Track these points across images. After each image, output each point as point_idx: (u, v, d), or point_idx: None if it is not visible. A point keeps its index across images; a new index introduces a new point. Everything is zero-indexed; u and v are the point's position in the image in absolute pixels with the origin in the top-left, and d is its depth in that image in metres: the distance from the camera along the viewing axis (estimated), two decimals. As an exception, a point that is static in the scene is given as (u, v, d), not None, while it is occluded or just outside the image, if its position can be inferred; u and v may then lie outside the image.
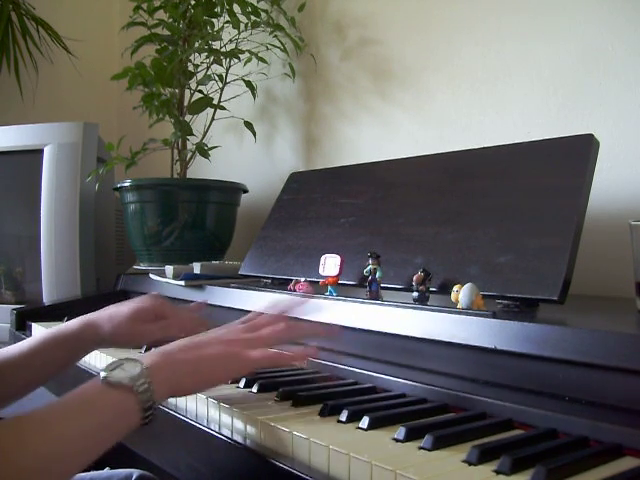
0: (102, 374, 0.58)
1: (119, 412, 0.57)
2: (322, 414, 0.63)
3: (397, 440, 0.55)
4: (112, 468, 1.07)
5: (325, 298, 0.91)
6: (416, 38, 1.46)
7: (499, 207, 0.85)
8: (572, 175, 0.79)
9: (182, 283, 1.23)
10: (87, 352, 0.90)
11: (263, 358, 0.70)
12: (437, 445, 0.53)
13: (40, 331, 1.31)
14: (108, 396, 0.57)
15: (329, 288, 0.93)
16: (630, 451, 0.51)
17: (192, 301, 1.20)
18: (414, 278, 0.82)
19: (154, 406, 0.60)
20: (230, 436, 0.64)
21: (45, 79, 2.38)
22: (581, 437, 0.54)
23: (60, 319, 1.38)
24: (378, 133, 1.56)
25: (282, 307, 0.80)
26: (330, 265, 0.95)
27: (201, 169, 1.91)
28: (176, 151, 1.74)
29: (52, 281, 1.65)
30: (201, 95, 1.73)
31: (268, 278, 1.15)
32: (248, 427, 0.64)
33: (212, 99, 1.71)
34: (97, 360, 1.00)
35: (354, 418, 0.61)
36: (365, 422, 0.59)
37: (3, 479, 0.48)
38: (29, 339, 0.85)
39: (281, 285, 1.10)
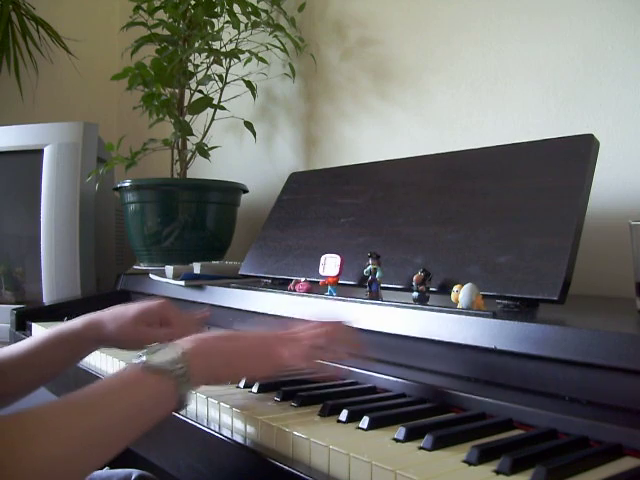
0: (143, 358, 0.59)
1: (157, 397, 0.58)
2: (322, 414, 0.63)
3: (397, 440, 0.55)
4: (112, 468, 1.07)
5: (325, 298, 0.91)
6: (416, 38, 1.46)
7: (499, 207, 0.85)
8: (572, 175, 0.79)
9: (182, 283, 1.23)
10: (89, 351, 0.89)
11: (295, 357, 0.70)
12: (437, 445, 0.53)
13: (40, 331, 1.31)
14: (147, 380, 0.58)
15: (329, 288, 0.93)
16: (630, 451, 0.51)
17: (192, 301, 1.21)
18: (414, 278, 0.82)
19: (189, 392, 0.60)
20: (230, 436, 0.64)
21: (45, 79, 2.38)
22: (581, 437, 0.54)
23: (60, 319, 1.37)
24: (378, 133, 1.56)
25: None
26: (330, 265, 0.95)
27: (201, 169, 1.91)
28: (176, 151, 1.74)
29: (52, 281, 1.65)
30: (201, 95, 1.73)
31: (268, 278, 1.15)
32: (248, 427, 0.64)
33: (212, 99, 1.71)
34: (98, 360, 1.00)
35: (354, 418, 0.61)
36: (365, 422, 0.59)
37: (41, 456, 0.48)
38: (31, 338, 0.85)
39: (281, 285, 1.10)
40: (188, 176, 1.77)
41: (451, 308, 0.74)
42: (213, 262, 1.35)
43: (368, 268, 0.88)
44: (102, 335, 0.86)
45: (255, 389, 0.74)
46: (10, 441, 0.48)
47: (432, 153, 1.04)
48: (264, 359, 0.69)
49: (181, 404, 0.60)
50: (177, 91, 1.73)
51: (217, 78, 1.70)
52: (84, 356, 0.90)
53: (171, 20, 1.70)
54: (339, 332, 0.76)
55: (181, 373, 0.59)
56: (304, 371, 0.83)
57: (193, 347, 0.63)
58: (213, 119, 1.73)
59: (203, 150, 1.67)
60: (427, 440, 0.53)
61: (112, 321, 0.86)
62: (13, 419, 0.51)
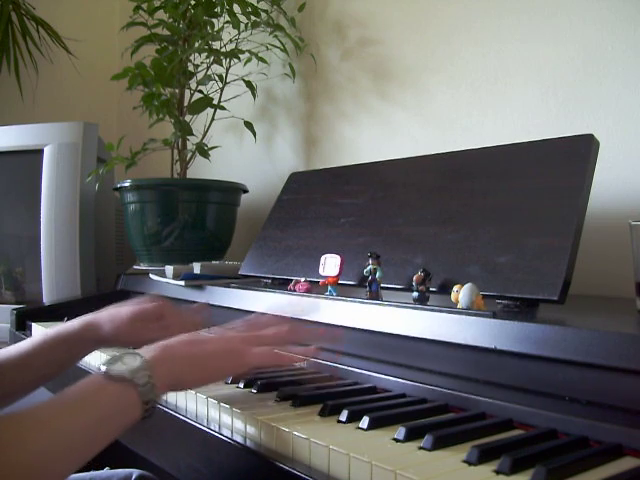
0: (102, 367, 0.59)
1: (120, 405, 0.58)
2: (322, 414, 0.63)
3: (397, 440, 0.55)
4: (112, 468, 1.07)
5: (325, 298, 0.91)
6: (416, 38, 1.46)
7: (499, 207, 0.85)
8: (572, 175, 0.79)
9: (182, 283, 1.23)
10: (87, 352, 0.89)
11: (264, 356, 0.70)
12: (437, 445, 0.53)
13: (40, 331, 1.31)
14: (108, 389, 0.57)
15: (329, 288, 0.93)
16: (630, 451, 0.51)
17: (192, 301, 1.21)
18: (414, 278, 0.82)
19: (154, 399, 0.60)
20: (230, 436, 0.64)
21: (45, 79, 2.38)
22: (581, 437, 0.54)
23: (60, 319, 1.38)
24: (378, 133, 1.56)
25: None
26: (330, 265, 0.95)
27: (201, 169, 1.91)
28: (176, 151, 1.74)
29: (52, 281, 1.65)
30: (201, 95, 1.73)
31: (268, 278, 1.15)
32: (248, 427, 0.64)
33: (212, 99, 1.71)
34: (97, 360, 1.00)
35: (354, 418, 0.61)
36: (365, 422, 0.59)
37: (2, 476, 0.48)
38: (30, 339, 0.85)
39: (281, 285, 1.10)
40: (188, 176, 1.77)
41: (451, 308, 0.74)
42: (213, 262, 1.35)
43: (368, 268, 0.88)
44: (99, 336, 0.86)
45: (255, 389, 0.74)
46: (4, 438, 0.49)
47: (432, 153, 1.04)
48: (229, 360, 0.69)
49: (147, 412, 0.59)
50: (177, 91, 1.73)
51: (217, 78, 1.70)
52: (82, 357, 0.90)
53: (171, 20, 1.70)
54: (299, 330, 0.76)
55: (143, 382, 0.59)
56: (298, 368, 0.83)
57: (155, 355, 0.62)
58: (213, 119, 1.73)
59: (203, 150, 1.67)
60: (427, 440, 0.53)
61: (109, 321, 0.86)
62: (3, 420, 0.51)
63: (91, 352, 0.91)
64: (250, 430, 0.63)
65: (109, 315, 0.87)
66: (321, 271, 0.96)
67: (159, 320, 0.88)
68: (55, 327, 0.86)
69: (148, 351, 0.63)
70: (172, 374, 0.63)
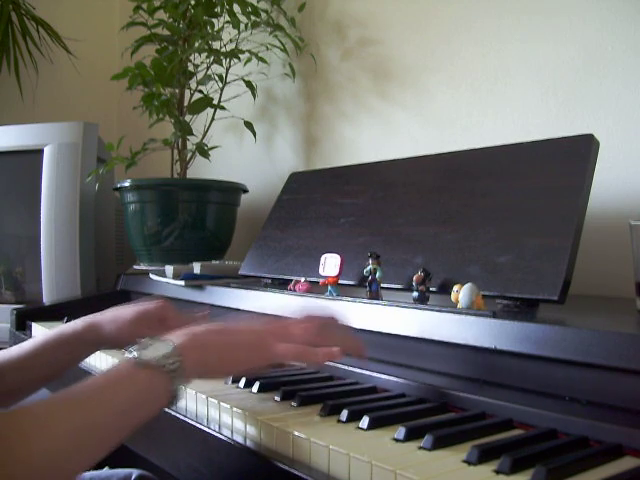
0: (134, 353, 0.59)
1: (151, 391, 0.58)
2: (322, 414, 0.63)
3: (397, 440, 0.55)
4: (111, 467, 1.07)
5: (325, 298, 0.91)
6: (416, 38, 1.46)
7: (499, 207, 0.85)
8: (572, 175, 0.79)
9: (182, 283, 1.23)
10: (89, 354, 0.89)
11: (289, 352, 0.69)
12: (437, 445, 0.53)
13: (40, 331, 1.31)
14: (139, 375, 0.58)
15: (329, 288, 0.93)
16: (630, 451, 0.51)
17: (192, 301, 1.21)
18: (414, 278, 0.82)
19: (183, 385, 0.60)
20: (230, 436, 0.64)
21: (45, 79, 2.38)
22: (581, 437, 0.54)
23: (60, 319, 1.38)
24: (378, 133, 1.56)
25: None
26: (330, 265, 0.95)
27: (201, 169, 1.91)
28: (176, 151, 1.74)
29: (52, 281, 1.65)
30: (201, 95, 1.73)
31: (268, 278, 1.15)
32: (248, 427, 0.64)
33: (212, 99, 1.71)
34: (99, 361, 1.00)
35: (354, 418, 0.61)
36: (365, 422, 0.59)
37: (37, 452, 0.48)
38: (32, 340, 0.85)
39: (281, 285, 1.10)
40: (188, 176, 1.77)
41: (451, 308, 0.74)
42: (213, 262, 1.35)
43: (368, 268, 0.88)
44: (101, 337, 0.86)
45: (255, 389, 0.74)
46: (6, 439, 0.48)
47: (432, 153, 1.04)
48: (256, 352, 0.68)
49: (173, 399, 0.60)
50: (177, 91, 1.73)
51: (217, 78, 1.70)
52: (84, 358, 0.90)
53: (171, 20, 1.70)
54: (332, 328, 0.75)
55: (174, 368, 0.59)
56: (299, 368, 0.83)
57: (185, 341, 0.62)
58: (213, 119, 1.73)
59: (203, 150, 1.67)
60: (427, 440, 0.53)
61: (111, 323, 0.86)
62: (8, 417, 0.51)
63: (92, 353, 0.91)
64: (250, 430, 0.63)
65: (111, 316, 0.87)
66: (321, 271, 0.96)
67: (162, 322, 0.88)
68: (57, 328, 0.86)
69: (178, 337, 0.63)
70: (201, 362, 0.63)
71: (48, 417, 0.51)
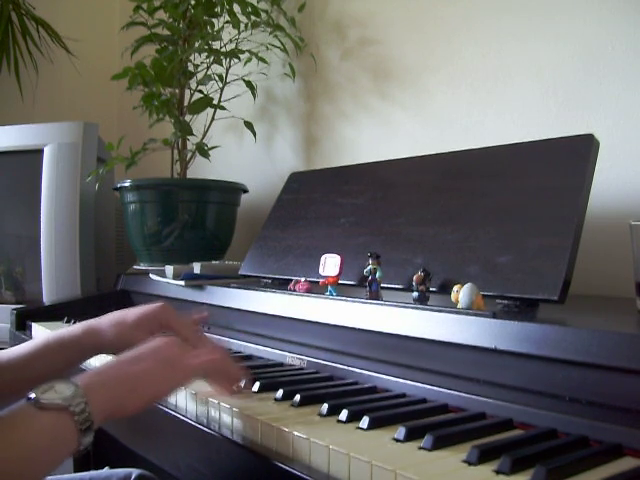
0: (32, 396, 0.55)
1: (55, 435, 0.54)
2: (322, 414, 0.63)
3: (397, 440, 0.55)
4: (112, 467, 1.07)
5: (325, 298, 0.91)
6: (416, 38, 1.46)
7: (499, 207, 0.85)
8: (572, 175, 0.79)
9: (182, 283, 1.23)
10: (88, 357, 0.88)
11: (203, 363, 0.68)
12: (437, 445, 0.53)
13: (40, 331, 1.31)
14: (42, 419, 0.54)
15: (329, 288, 0.93)
16: (630, 451, 0.52)
17: (192, 301, 1.21)
18: (414, 278, 0.82)
19: (92, 428, 0.56)
20: (230, 436, 0.64)
21: (45, 79, 2.38)
22: (581, 437, 0.54)
23: (60, 319, 1.38)
24: (378, 133, 1.55)
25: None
26: (330, 265, 0.95)
27: (201, 169, 1.91)
28: (176, 151, 1.74)
29: (52, 281, 1.65)
30: (201, 95, 1.73)
31: (268, 278, 1.15)
32: (248, 427, 0.63)
33: (212, 99, 1.71)
34: (100, 362, 1.00)
35: (354, 418, 0.61)
36: (365, 422, 0.59)
37: None
38: (31, 342, 0.84)
39: (281, 285, 1.10)
40: (188, 176, 1.77)
41: (451, 308, 0.74)
42: (213, 262, 1.35)
43: (368, 268, 0.88)
44: (101, 342, 0.84)
45: (255, 389, 0.74)
46: None
47: (432, 153, 1.04)
48: (171, 374, 0.66)
49: (83, 444, 0.55)
50: (177, 91, 1.73)
51: (217, 78, 1.70)
52: (82, 362, 0.88)
53: (171, 20, 1.70)
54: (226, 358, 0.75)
55: (80, 410, 0.55)
56: (302, 372, 0.83)
57: (89, 381, 0.59)
58: (213, 119, 1.73)
59: (203, 150, 1.67)
60: (427, 440, 0.53)
61: (111, 327, 0.84)
62: None
63: (92, 357, 0.89)
64: (250, 430, 0.63)
65: (111, 321, 0.85)
66: (321, 271, 0.96)
67: (162, 325, 0.86)
68: (57, 331, 0.85)
69: (80, 378, 0.59)
70: (110, 399, 0.59)
71: None
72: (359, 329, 0.83)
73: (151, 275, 1.40)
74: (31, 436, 0.53)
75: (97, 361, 0.99)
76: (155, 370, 0.65)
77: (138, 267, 1.66)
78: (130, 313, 0.86)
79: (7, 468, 0.50)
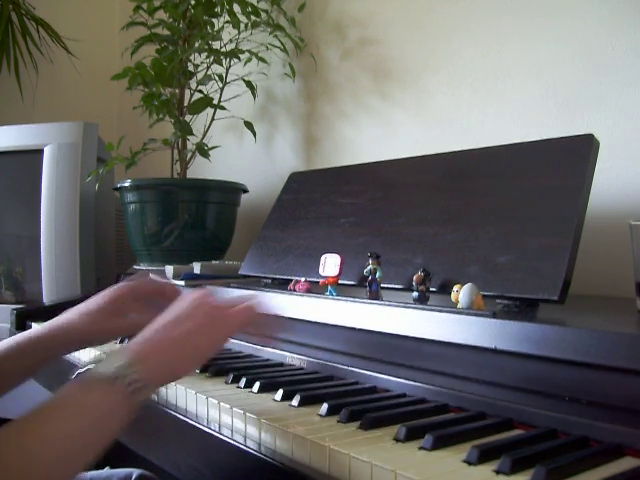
0: (84, 369, 0.56)
1: (110, 406, 0.54)
2: (322, 414, 0.63)
3: (397, 440, 0.55)
4: (112, 467, 1.07)
5: (325, 298, 0.91)
6: (416, 38, 1.46)
7: (499, 207, 0.85)
8: (572, 175, 0.79)
9: (182, 283, 1.23)
10: (61, 355, 0.84)
11: (243, 312, 0.67)
12: (437, 445, 0.53)
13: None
14: (96, 391, 0.54)
15: (329, 288, 0.93)
16: (630, 451, 0.51)
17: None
18: (414, 278, 0.82)
19: (146, 396, 0.57)
20: (230, 436, 0.64)
21: (45, 79, 2.38)
22: (581, 437, 0.54)
23: (60, 319, 1.37)
24: (378, 133, 1.55)
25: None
26: (330, 265, 0.95)
27: (201, 169, 1.91)
28: (176, 151, 1.74)
29: (52, 281, 1.65)
30: (201, 95, 1.73)
31: (268, 278, 1.15)
32: (248, 427, 0.64)
33: (212, 99, 1.71)
34: (88, 356, 1.00)
35: (354, 418, 0.61)
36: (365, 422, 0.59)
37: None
38: (2, 342, 0.79)
39: (281, 285, 1.10)
40: (188, 176, 1.77)
41: (451, 308, 0.74)
42: (213, 262, 1.35)
43: (368, 268, 0.88)
44: (72, 337, 0.80)
45: (255, 389, 0.74)
46: None
47: (432, 153, 1.04)
48: (218, 328, 0.65)
49: (137, 413, 0.56)
50: (177, 91, 1.73)
51: (217, 78, 1.70)
52: (56, 359, 0.84)
53: (171, 20, 1.70)
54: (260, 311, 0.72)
55: (132, 379, 0.55)
56: (302, 372, 0.83)
57: (140, 348, 0.59)
58: (213, 119, 1.73)
59: (203, 150, 1.67)
60: (427, 440, 0.53)
61: (80, 319, 0.80)
62: None
63: (65, 355, 0.86)
64: (250, 430, 0.63)
65: (79, 312, 0.81)
66: (321, 271, 0.96)
67: (138, 300, 0.83)
68: (25, 332, 0.81)
69: (129, 347, 0.59)
70: (160, 366, 0.59)
71: (16, 442, 0.48)
72: (359, 329, 0.83)
73: (151, 275, 1.40)
74: (86, 410, 0.53)
75: (85, 355, 0.99)
76: (199, 328, 0.63)
77: (138, 267, 1.66)
78: (98, 299, 0.83)
79: (65, 444, 0.50)
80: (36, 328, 0.82)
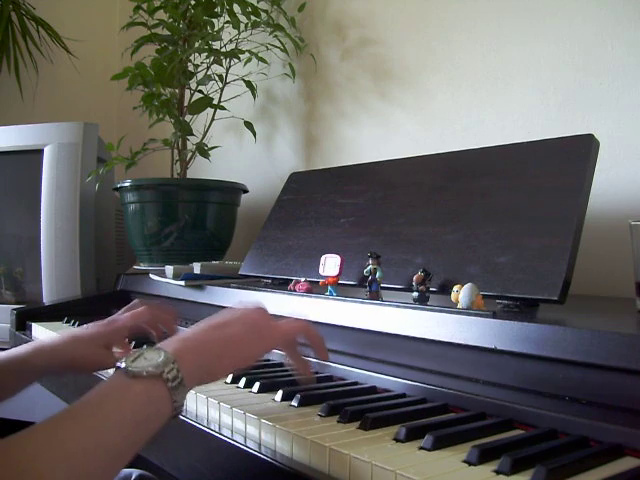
0: (123, 366, 0.54)
1: (150, 402, 0.53)
2: (322, 414, 0.63)
3: (397, 440, 0.55)
4: (112, 468, 1.07)
5: (325, 298, 0.91)
6: (416, 38, 1.46)
7: (499, 207, 0.85)
8: (572, 175, 0.79)
9: (182, 283, 1.23)
10: (43, 377, 0.83)
11: (291, 329, 0.67)
12: (437, 445, 0.53)
13: (40, 331, 1.31)
14: (136, 387, 0.52)
15: (329, 288, 0.93)
16: (630, 451, 0.51)
17: (192, 301, 1.21)
18: (414, 278, 0.82)
19: (185, 393, 0.56)
20: (230, 436, 0.64)
21: (45, 79, 2.38)
22: (581, 437, 0.54)
23: (60, 319, 1.38)
24: (378, 133, 1.56)
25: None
26: (330, 265, 0.95)
27: (201, 169, 1.91)
28: (176, 151, 1.74)
29: (52, 281, 1.65)
30: (201, 95, 1.73)
31: (268, 278, 1.15)
32: (248, 427, 0.63)
33: (212, 99, 1.71)
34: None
35: (354, 418, 0.61)
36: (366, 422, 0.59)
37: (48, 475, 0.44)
38: None
39: (281, 285, 1.10)
40: (188, 176, 1.77)
41: (451, 308, 0.74)
42: (213, 262, 1.35)
43: (368, 268, 0.88)
44: (54, 361, 0.78)
45: (255, 389, 0.74)
46: (17, 463, 0.44)
47: (432, 153, 1.04)
48: (260, 337, 0.65)
49: (177, 410, 0.55)
50: (177, 91, 1.73)
51: (217, 78, 1.70)
52: (38, 380, 0.83)
53: (171, 20, 1.70)
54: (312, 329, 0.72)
55: (172, 376, 0.54)
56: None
57: (179, 346, 0.58)
58: (213, 119, 1.73)
59: (203, 150, 1.67)
60: (427, 440, 0.53)
61: (66, 345, 0.79)
62: (15, 442, 0.46)
63: (48, 376, 0.85)
64: (250, 430, 0.63)
65: (68, 337, 0.80)
66: (321, 271, 0.96)
67: (139, 332, 0.83)
68: (8, 350, 0.79)
69: (169, 344, 0.58)
70: (200, 365, 0.58)
71: (53, 440, 0.47)
72: (359, 329, 0.83)
73: (151, 275, 1.40)
74: (126, 405, 0.52)
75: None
76: (242, 335, 0.63)
77: (138, 267, 1.66)
78: (93, 326, 0.83)
79: (105, 439, 0.49)
80: (19, 348, 0.80)
